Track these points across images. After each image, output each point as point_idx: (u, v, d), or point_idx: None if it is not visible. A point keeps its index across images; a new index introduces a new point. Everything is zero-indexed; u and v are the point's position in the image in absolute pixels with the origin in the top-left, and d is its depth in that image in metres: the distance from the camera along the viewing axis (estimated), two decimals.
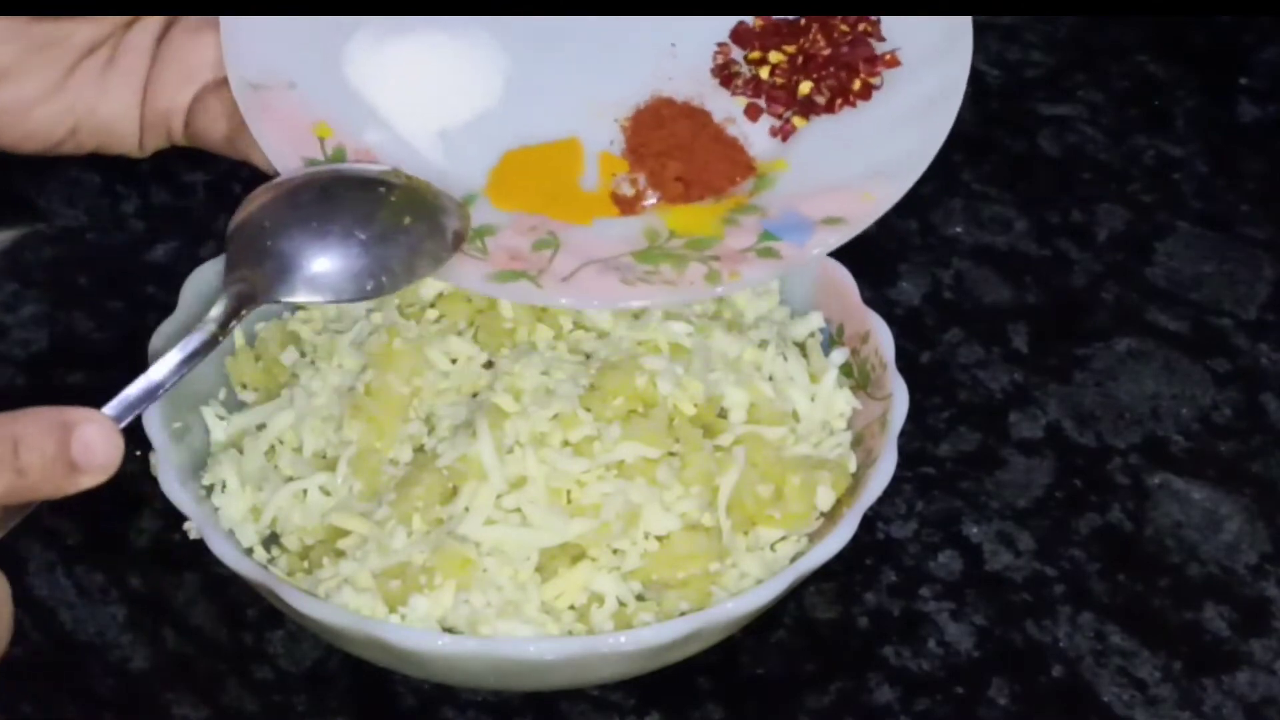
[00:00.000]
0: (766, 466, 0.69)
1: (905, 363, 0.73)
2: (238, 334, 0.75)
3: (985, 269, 0.88)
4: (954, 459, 0.79)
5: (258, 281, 0.60)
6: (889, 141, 0.66)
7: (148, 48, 0.66)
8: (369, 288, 0.61)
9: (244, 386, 0.74)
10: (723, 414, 0.71)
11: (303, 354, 0.74)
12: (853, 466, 0.71)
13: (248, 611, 0.72)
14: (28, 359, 0.82)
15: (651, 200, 0.66)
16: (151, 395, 0.59)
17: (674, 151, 0.67)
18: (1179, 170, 0.94)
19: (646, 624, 0.65)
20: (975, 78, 0.99)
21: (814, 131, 0.68)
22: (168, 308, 0.73)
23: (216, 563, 0.65)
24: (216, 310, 0.59)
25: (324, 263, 0.60)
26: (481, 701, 0.70)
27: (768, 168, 0.67)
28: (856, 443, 0.72)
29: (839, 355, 0.74)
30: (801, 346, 0.75)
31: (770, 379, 0.72)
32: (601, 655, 0.64)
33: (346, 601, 0.65)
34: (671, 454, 0.69)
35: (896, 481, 0.70)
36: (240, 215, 0.64)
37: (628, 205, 0.66)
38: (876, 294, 0.84)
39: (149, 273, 0.86)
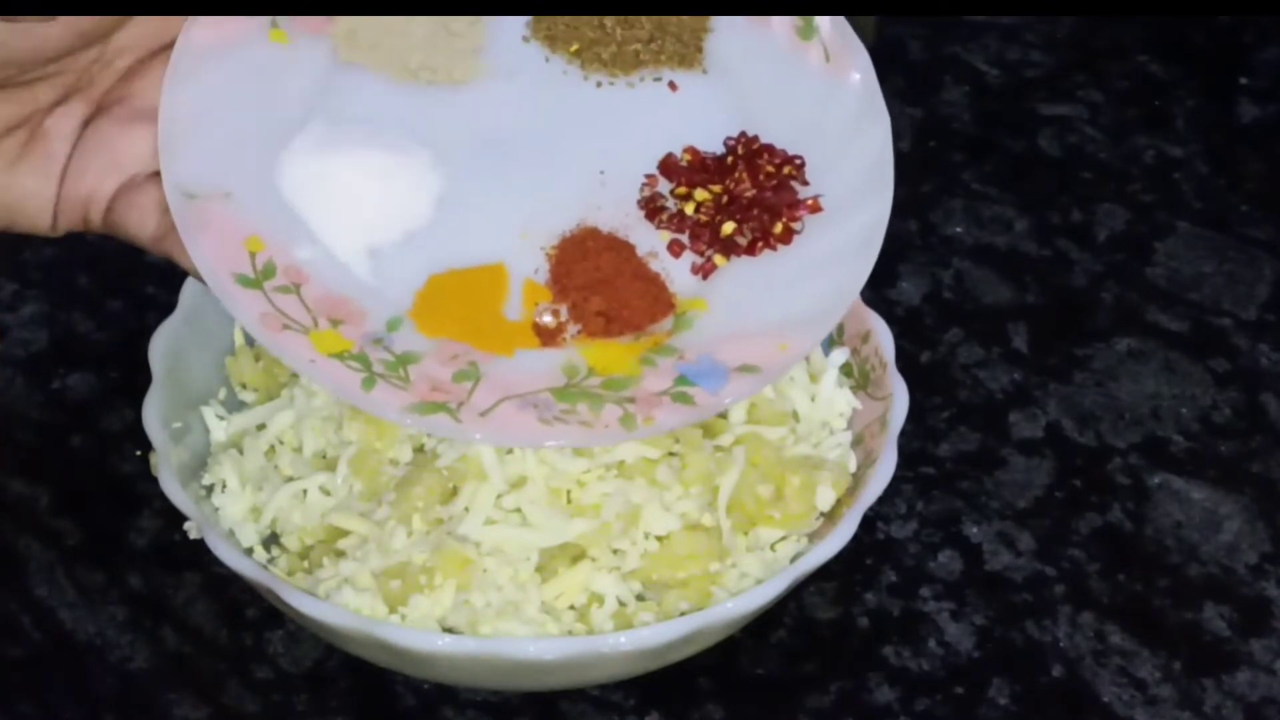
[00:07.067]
0: (766, 466, 0.69)
1: (905, 363, 0.73)
2: (238, 334, 0.75)
3: (985, 269, 0.88)
4: (954, 459, 0.79)
5: None
6: (805, 289, 0.67)
7: (69, 133, 0.65)
8: None
9: (244, 386, 0.74)
10: (723, 414, 0.71)
11: None
12: (853, 466, 0.71)
13: (248, 611, 0.72)
14: (28, 359, 0.82)
15: (572, 332, 0.66)
16: None
17: (597, 286, 0.67)
18: (1179, 170, 0.94)
19: (646, 624, 0.65)
20: (975, 77, 1.00)
21: (733, 272, 0.68)
22: (168, 308, 0.73)
23: (216, 563, 0.65)
24: None
25: None
26: (481, 701, 0.70)
27: (687, 305, 0.67)
28: (856, 443, 0.72)
29: (839, 355, 0.74)
30: None
31: None
32: (601, 655, 0.64)
33: (346, 601, 0.65)
34: (671, 454, 0.69)
35: (896, 481, 0.70)
36: None
37: (549, 337, 0.66)
38: (876, 294, 0.84)
39: (149, 273, 0.86)
